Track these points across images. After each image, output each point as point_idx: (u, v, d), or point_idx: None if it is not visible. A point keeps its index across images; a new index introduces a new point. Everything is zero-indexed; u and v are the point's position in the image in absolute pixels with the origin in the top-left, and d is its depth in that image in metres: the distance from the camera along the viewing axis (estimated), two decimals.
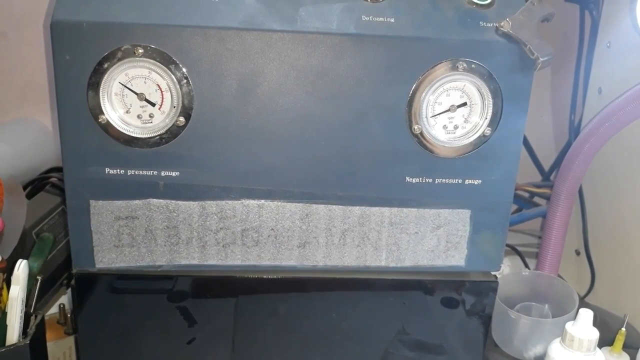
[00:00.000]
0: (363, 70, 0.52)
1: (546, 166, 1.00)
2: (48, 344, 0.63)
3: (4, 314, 0.57)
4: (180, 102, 0.51)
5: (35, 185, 0.82)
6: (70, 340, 0.71)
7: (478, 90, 0.54)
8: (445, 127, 0.54)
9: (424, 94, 0.53)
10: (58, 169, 0.86)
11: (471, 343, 0.63)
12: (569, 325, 0.59)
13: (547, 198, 0.84)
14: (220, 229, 0.56)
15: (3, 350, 0.56)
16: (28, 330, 0.59)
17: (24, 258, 0.58)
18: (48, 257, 0.64)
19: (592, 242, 0.87)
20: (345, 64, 0.52)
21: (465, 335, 0.62)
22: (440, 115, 0.54)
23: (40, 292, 0.63)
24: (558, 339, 0.60)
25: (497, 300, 0.66)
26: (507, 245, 0.96)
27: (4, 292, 0.58)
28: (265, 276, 0.58)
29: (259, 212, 0.56)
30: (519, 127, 0.55)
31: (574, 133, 0.91)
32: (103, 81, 0.50)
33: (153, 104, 0.51)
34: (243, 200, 0.55)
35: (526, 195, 0.95)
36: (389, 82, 0.53)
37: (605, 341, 0.61)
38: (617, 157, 0.79)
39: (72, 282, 0.56)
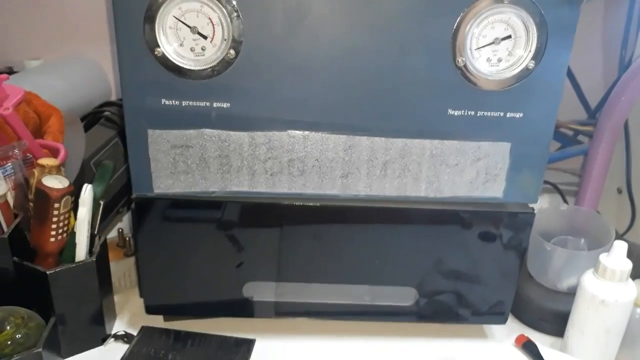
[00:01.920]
0: (408, 2, 0.52)
1: (593, 104, 0.98)
2: (110, 263, 0.69)
3: (73, 234, 0.63)
4: (231, 35, 0.53)
5: (90, 119, 0.86)
6: (129, 261, 0.77)
7: (523, 23, 0.53)
8: (489, 59, 0.55)
9: (468, 26, 0.53)
10: (111, 104, 0.89)
11: (506, 273, 0.65)
12: (602, 256, 0.60)
13: (591, 136, 0.83)
14: (269, 158, 0.58)
15: (73, 266, 0.61)
16: (93, 249, 0.64)
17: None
18: (109, 183, 0.69)
19: (635, 180, 0.86)
20: None
21: (500, 266, 0.64)
22: (484, 47, 0.54)
23: (102, 216, 0.68)
24: (591, 270, 0.62)
25: (534, 232, 0.67)
26: (548, 183, 0.97)
27: (71, 214, 0.63)
28: (309, 204, 0.61)
29: (304, 143, 0.58)
30: (563, 61, 0.55)
31: (624, 69, 0.88)
32: (158, 15, 0.52)
33: (205, 37, 0.53)
34: (289, 132, 0.57)
35: (570, 133, 0.94)
36: (434, 13, 0.53)
37: None
38: None
39: (132, 205, 0.61)
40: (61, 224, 0.60)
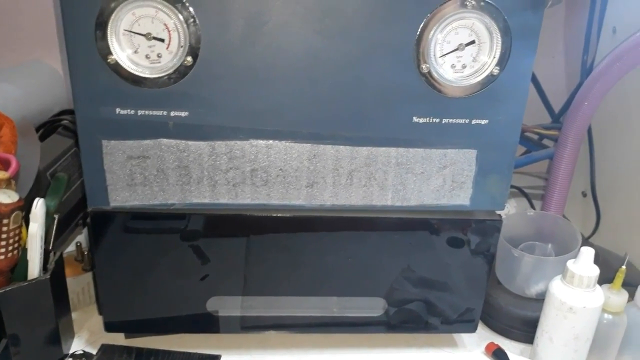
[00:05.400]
0: (371, 8, 0.51)
1: (556, 108, 0.99)
2: (67, 279, 0.66)
3: (25, 250, 0.60)
4: (188, 42, 0.51)
5: (47, 128, 0.82)
6: (88, 276, 0.74)
7: (487, 28, 0.53)
8: (453, 66, 0.54)
9: (432, 32, 0.52)
10: (69, 112, 0.86)
11: (474, 280, 0.64)
12: (570, 263, 0.60)
13: (556, 140, 0.84)
14: (230, 168, 0.57)
15: (25, 284, 0.58)
16: (48, 266, 0.61)
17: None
18: (63, 196, 0.66)
19: (599, 184, 0.87)
20: (352, 1, 0.51)
21: (468, 273, 0.64)
22: (449, 54, 0.54)
23: (58, 230, 0.65)
24: (559, 276, 0.62)
25: (501, 238, 0.67)
26: (514, 187, 0.97)
27: (24, 229, 0.60)
28: (274, 214, 0.59)
29: (267, 153, 0.56)
30: (528, 66, 0.55)
31: (586, 74, 0.90)
32: (111, 21, 0.49)
33: (162, 40, 0.51)
34: (252, 141, 0.56)
35: (535, 137, 0.95)
36: (397, 20, 0.52)
37: (607, 279, 0.63)
38: (628, 98, 0.79)
39: (88, 220, 0.58)
40: (11, 241, 0.57)
